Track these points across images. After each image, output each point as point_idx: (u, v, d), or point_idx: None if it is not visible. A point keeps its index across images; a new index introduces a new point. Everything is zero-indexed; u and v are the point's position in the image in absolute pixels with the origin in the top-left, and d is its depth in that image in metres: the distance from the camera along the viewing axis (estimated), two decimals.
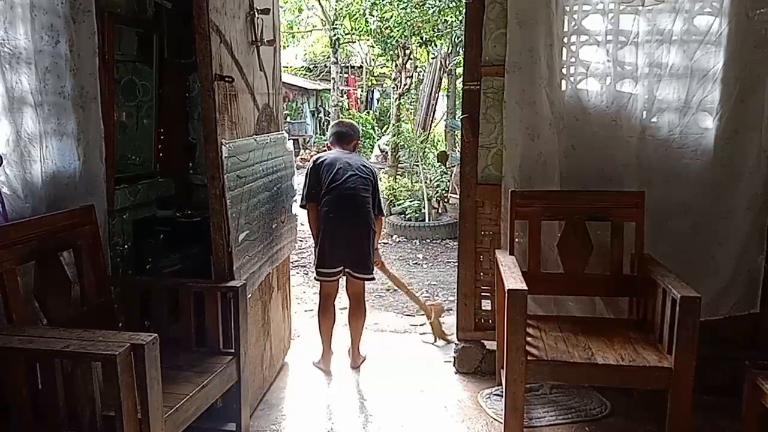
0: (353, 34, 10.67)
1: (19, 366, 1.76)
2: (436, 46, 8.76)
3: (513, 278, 2.30)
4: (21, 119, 2.10)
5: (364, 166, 3.20)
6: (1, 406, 1.78)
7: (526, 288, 2.21)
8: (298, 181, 3.24)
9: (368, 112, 14.13)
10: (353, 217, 3.07)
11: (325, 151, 3.36)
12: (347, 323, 3.30)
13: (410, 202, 7.78)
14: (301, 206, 3.22)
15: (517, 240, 2.76)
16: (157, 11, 2.93)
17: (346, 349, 3.34)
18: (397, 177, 8.56)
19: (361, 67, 14.57)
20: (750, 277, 2.73)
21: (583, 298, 2.79)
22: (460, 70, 7.87)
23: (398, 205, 7.99)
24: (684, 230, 2.74)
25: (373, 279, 3.24)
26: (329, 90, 12.86)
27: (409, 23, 7.90)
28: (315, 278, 3.23)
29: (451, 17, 7.81)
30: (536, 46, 2.68)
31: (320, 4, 11.38)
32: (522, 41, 2.70)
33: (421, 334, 3.94)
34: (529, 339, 2.33)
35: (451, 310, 4.50)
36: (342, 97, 12.86)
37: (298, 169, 3.23)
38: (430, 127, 9.38)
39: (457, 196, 4.59)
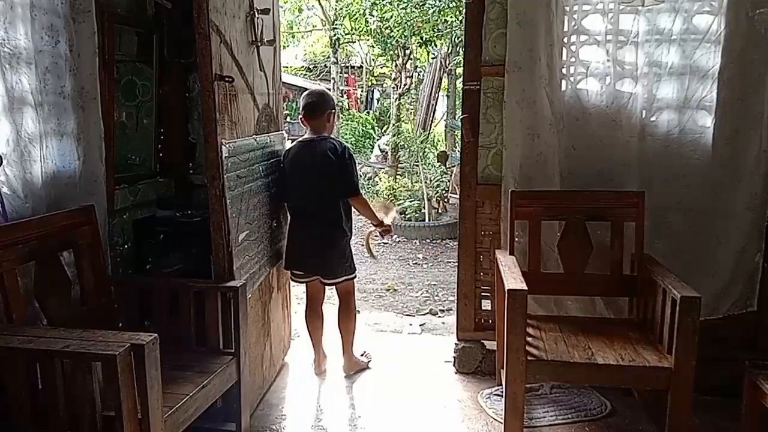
0: (353, 34, 10.66)
1: (19, 366, 1.76)
2: (436, 46, 8.77)
3: (513, 278, 2.30)
4: (21, 119, 2.10)
5: (327, 155, 2.83)
6: (1, 406, 1.78)
7: (526, 288, 2.21)
8: None
9: (368, 112, 14.11)
10: (313, 226, 2.92)
11: (306, 129, 3.03)
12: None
13: (410, 202, 7.78)
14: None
15: (517, 240, 2.76)
16: (157, 11, 2.93)
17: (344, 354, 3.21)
18: (397, 177, 8.56)
19: (361, 67, 14.56)
20: (748, 276, 2.73)
21: (583, 298, 2.79)
22: (460, 70, 7.87)
23: (398, 205, 7.99)
24: (684, 230, 2.74)
25: (345, 280, 3.01)
26: (329, 90, 12.86)
27: (409, 23, 7.90)
28: (291, 279, 3.13)
29: (451, 17, 7.81)
30: (536, 46, 2.68)
31: (320, 4, 11.36)
32: (522, 41, 2.70)
33: (409, 333, 3.94)
34: (529, 339, 2.33)
35: (451, 310, 4.51)
36: (342, 97, 12.86)
37: None
38: (430, 127, 9.38)
39: (457, 196, 4.59)
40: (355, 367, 3.16)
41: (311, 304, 3.14)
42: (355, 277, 3.08)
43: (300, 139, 3.01)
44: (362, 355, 3.28)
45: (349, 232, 3.01)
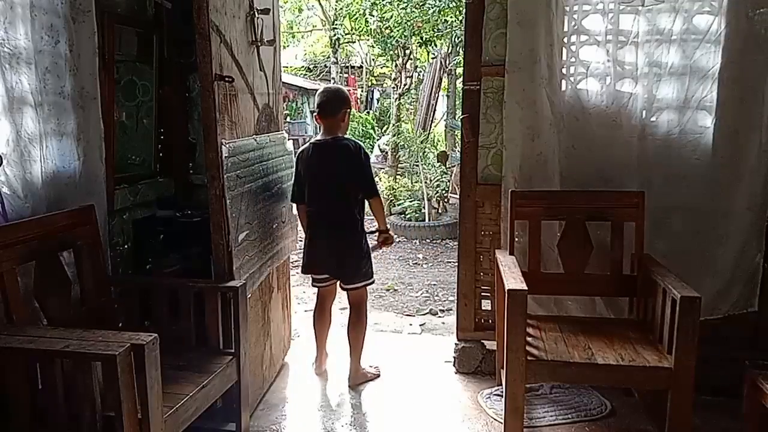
0: (353, 34, 10.67)
1: (19, 366, 1.76)
2: (436, 46, 8.76)
3: (513, 278, 2.30)
4: (21, 119, 2.10)
5: (342, 157, 2.80)
6: (1, 406, 1.78)
7: (526, 288, 2.21)
8: None
9: (368, 112, 14.12)
10: (331, 230, 2.87)
11: (318, 125, 2.98)
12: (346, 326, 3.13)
13: (410, 202, 7.78)
14: (292, 201, 3.05)
15: (517, 240, 2.76)
16: (157, 11, 2.93)
17: (348, 359, 3.09)
18: (397, 177, 8.56)
19: (361, 67, 14.56)
20: (748, 276, 2.73)
21: (583, 298, 2.79)
22: (460, 70, 7.87)
23: (398, 205, 7.99)
24: (684, 230, 2.74)
25: (363, 285, 2.95)
26: None
27: (409, 23, 7.91)
28: (312, 284, 3.11)
29: (451, 17, 7.81)
30: (536, 46, 2.68)
31: (320, 4, 11.38)
32: (522, 41, 2.70)
33: (409, 333, 3.94)
34: (529, 339, 2.33)
35: (451, 310, 4.51)
36: None
37: None
38: (430, 127, 9.38)
39: (457, 196, 4.59)
40: (361, 379, 3.06)
41: (320, 304, 3.13)
42: (371, 282, 3.00)
43: (313, 140, 2.95)
44: (371, 367, 3.17)
45: (364, 236, 2.95)
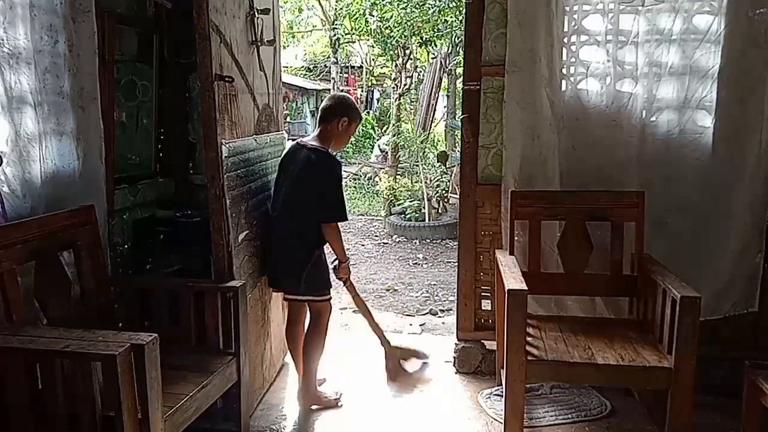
0: (353, 34, 10.65)
1: (19, 366, 1.76)
2: (436, 46, 8.76)
3: (513, 278, 2.30)
4: (20, 119, 2.10)
5: (306, 165, 2.59)
6: (1, 406, 1.78)
7: (526, 288, 2.21)
8: None
9: (368, 112, 14.12)
10: (275, 234, 2.70)
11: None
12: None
13: (410, 202, 7.79)
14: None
15: (517, 240, 2.76)
16: (157, 11, 2.93)
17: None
18: (397, 177, 8.56)
19: (361, 67, 14.55)
20: (748, 276, 2.73)
21: (583, 298, 2.79)
22: (460, 70, 7.86)
23: (398, 205, 8.00)
24: (684, 230, 2.74)
25: (307, 299, 2.71)
26: (329, 90, 12.86)
27: (409, 23, 7.90)
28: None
29: (451, 17, 7.81)
30: (536, 46, 2.68)
31: (320, 4, 11.36)
32: (522, 41, 2.70)
33: (409, 333, 3.93)
34: (529, 339, 2.33)
35: (451, 310, 4.51)
36: None
37: None
38: (430, 127, 9.38)
39: (457, 196, 4.59)
40: (312, 401, 2.75)
41: (289, 319, 2.87)
42: (323, 300, 2.71)
43: (297, 140, 2.84)
44: (334, 393, 2.85)
45: (315, 249, 2.67)
